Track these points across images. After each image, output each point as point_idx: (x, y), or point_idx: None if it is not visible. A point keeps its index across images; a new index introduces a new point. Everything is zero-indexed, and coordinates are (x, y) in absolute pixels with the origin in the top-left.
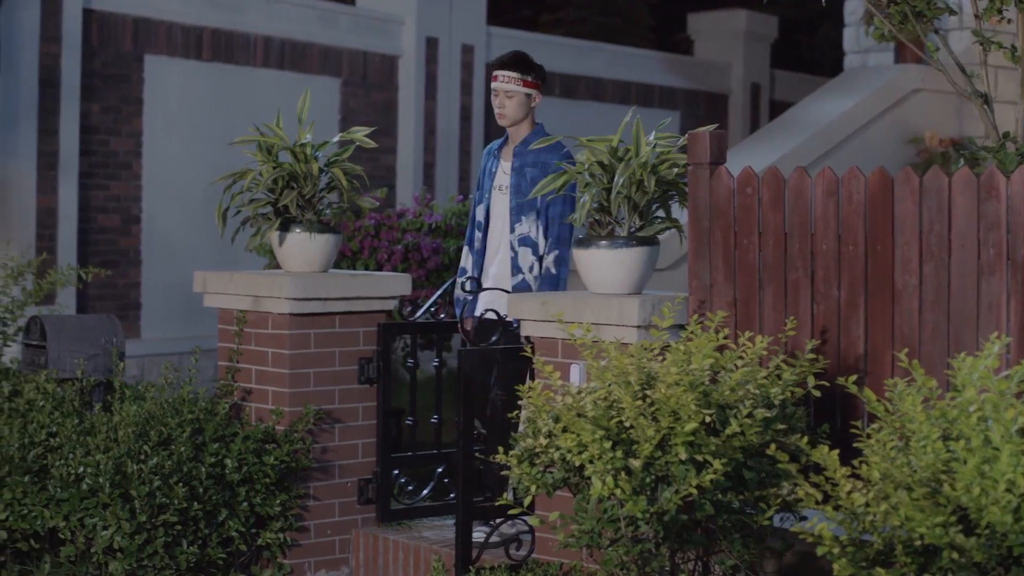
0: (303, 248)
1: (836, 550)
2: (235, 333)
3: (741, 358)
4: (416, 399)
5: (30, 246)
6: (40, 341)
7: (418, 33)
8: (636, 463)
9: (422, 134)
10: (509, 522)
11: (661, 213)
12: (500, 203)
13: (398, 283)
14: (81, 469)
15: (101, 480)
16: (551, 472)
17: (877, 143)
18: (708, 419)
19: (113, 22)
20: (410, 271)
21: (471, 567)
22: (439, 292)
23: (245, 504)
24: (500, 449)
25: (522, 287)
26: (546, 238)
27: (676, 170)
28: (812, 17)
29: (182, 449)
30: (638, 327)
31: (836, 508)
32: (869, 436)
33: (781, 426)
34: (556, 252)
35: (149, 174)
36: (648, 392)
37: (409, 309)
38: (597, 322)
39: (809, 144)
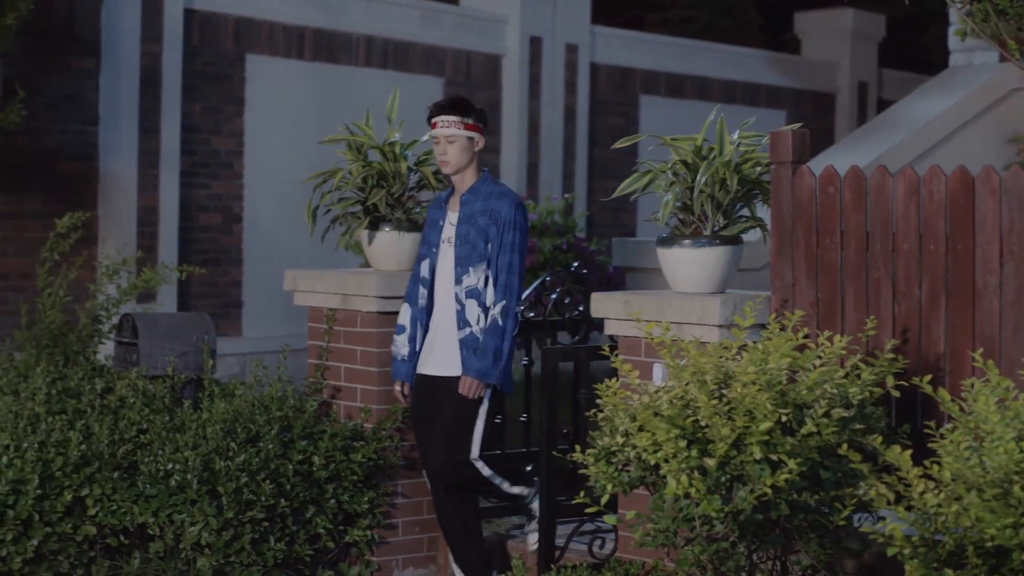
0: (392, 247)
1: (907, 550)
2: (324, 331)
3: (819, 358)
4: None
5: (130, 244)
6: (132, 338)
7: (522, 32)
8: (711, 462)
9: (526, 134)
10: (595, 521)
11: (746, 212)
12: (447, 256)
13: None
14: (170, 465)
15: (189, 476)
16: (627, 471)
17: (977, 142)
18: (784, 418)
19: (215, 22)
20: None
21: (553, 565)
22: (528, 290)
23: (333, 501)
24: (577, 447)
25: (470, 341)
26: (494, 289)
27: (759, 169)
28: (921, 15)
29: (270, 446)
30: (719, 326)
31: (908, 508)
32: (943, 436)
33: (859, 426)
34: (503, 303)
35: (251, 173)
36: (724, 391)
37: None
38: (679, 321)
39: (908, 143)
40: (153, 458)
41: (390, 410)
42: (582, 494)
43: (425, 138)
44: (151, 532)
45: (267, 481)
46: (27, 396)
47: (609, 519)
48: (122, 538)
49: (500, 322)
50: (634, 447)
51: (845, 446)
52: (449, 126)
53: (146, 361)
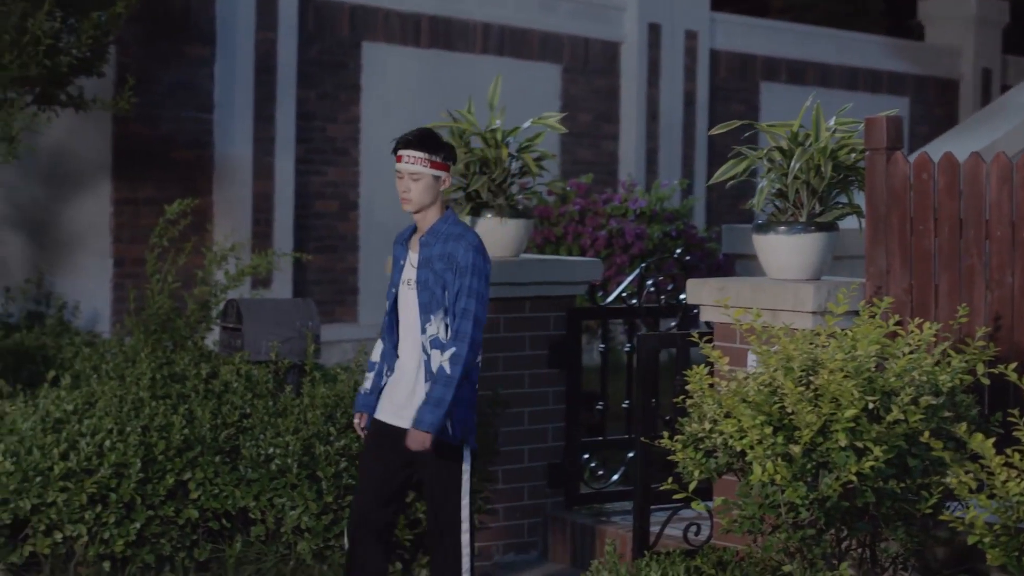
0: (494, 233)
1: (988, 539)
2: None
3: (908, 345)
4: (607, 384)
5: (244, 231)
6: (236, 324)
7: (640, 19)
8: (796, 449)
9: (644, 120)
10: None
11: (843, 199)
12: (409, 299)
13: (588, 268)
14: (271, 450)
15: (290, 461)
16: (715, 457)
17: None
18: (871, 406)
19: (330, 10)
20: (613, 257)
21: (647, 551)
22: (631, 277)
23: None
24: (665, 434)
25: None
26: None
27: (855, 155)
28: None
29: None
30: (813, 313)
31: (991, 497)
32: None
33: (947, 414)
34: (452, 349)
35: (367, 160)
36: (812, 378)
37: (600, 294)
38: (773, 307)
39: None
40: (255, 442)
41: (491, 396)
42: (670, 480)
43: (527, 124)
44: (252, 516)
45: None
46: (132, 381)
47: (696, 505)
48: (224, 521)
49: (447, 369)
50: (721, 433)
51: (927, 433)
52: (414, 162)
53: (250, 346)
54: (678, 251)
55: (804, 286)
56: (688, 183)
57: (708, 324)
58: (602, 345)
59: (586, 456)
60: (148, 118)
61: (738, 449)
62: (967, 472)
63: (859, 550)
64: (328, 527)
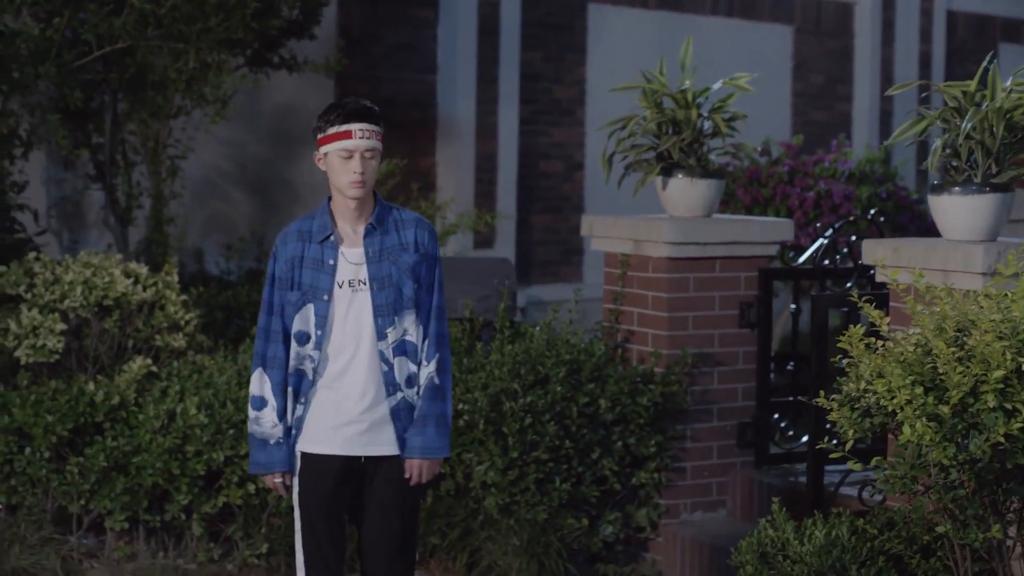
0: (684, 193)
1: None
2: (618, 276)
3: None
4: (798, 344)
5: (467, 191)
6: None
7: None
8: (946, 409)
9: (878, 82)
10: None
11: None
12: (352, 304)
13: (780, 229)
14: (460, 406)
15: (477, 417)
16: (870, 417)
17: None
18: None
19: None
20: (822, 218)
21: (817, 511)
22: (822, 238)
23: (619, 443)
24: (821, 393)
25: (402, 410)
26: (424, 340)
27: None
28: None
29: (557, 388)
30: (982, 274)
31: None
32: None
33: None
34: (438, 355)
35: (592, 122)
36: (965, 339)
37: (792, 254)
38: (944, 268)
39: None
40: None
41: (679, 355)
42: (826, 440)
43: (718, 86)
44: (442, 471)
45: (552, 423)
46: None
47: (852, 465)
48: None
49: (438, 380)
50: (874, 393)
51: None
52: (370, 136)
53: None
54: (872, 211)
55: (973, 247)
56: (893, 143)
57: (882, 285)
58: (792, 305)
59: (776, 416)
60: (370, 79)
61: (889, 409)
62: None
63: (1014, 512)
64: (514, 482)
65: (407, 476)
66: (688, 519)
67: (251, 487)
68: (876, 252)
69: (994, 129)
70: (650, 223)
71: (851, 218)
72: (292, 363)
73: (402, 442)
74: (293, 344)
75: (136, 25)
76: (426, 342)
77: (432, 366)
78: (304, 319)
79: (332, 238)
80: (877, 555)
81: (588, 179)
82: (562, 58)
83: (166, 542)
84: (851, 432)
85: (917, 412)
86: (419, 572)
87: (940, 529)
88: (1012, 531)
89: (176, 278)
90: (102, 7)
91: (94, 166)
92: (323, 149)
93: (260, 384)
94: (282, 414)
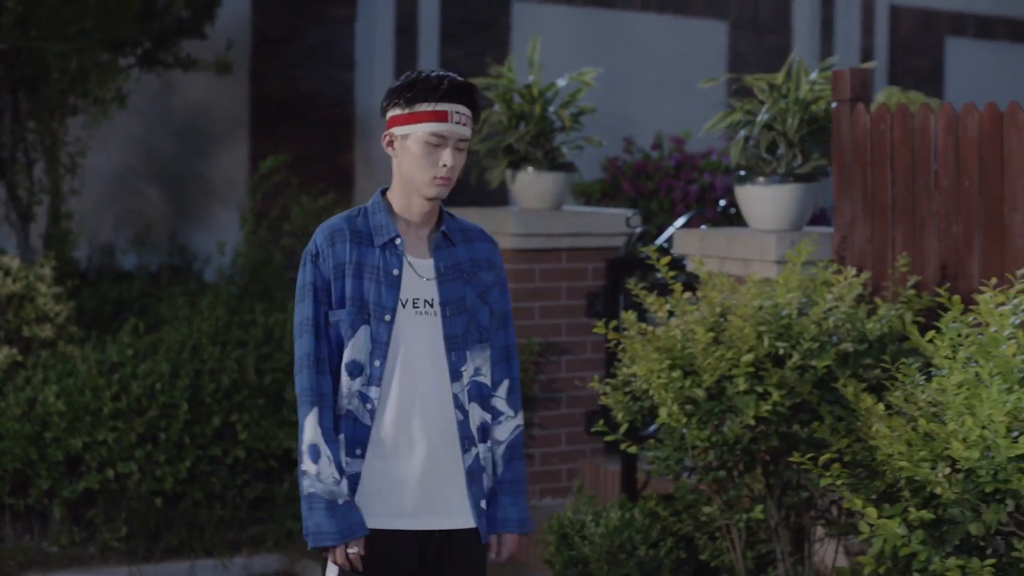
0: (532, 186)
1: (841, 481)
2: None
3: (831, 294)
4: None
5: (385, 186)
6: None
7: None
8: (700, 392)
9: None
10: None
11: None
12: (416, 330)
13: (627, 220)
14: None
15: None
16: (640, 402)
17: None
18: (782, 351)
19: None
20: (705, 210)
21: (624, 493)
22: (672, 228)
23: None
24: (595, 377)
25: (476, 472)
26: (495, 379)
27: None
28: None
29: None
30: (776, 262)
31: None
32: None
33: (868, 361)
34: (519, 412)
35: None
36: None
37: (639, 245)
38: (744, 257)
39: None
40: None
41: (526, 344)
42: (601, 423)
43: (564, 82)
44: (294, 457)
45: None
46: (196, 327)
47: (628, 448)
48: (271, 462)
49: (512, 435)
50: (636, 377)
51: (842, 381)
52: (466, 123)
53: None
54: (722, 202)
55: (768, 236)
56: None
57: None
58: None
59: None
60: (287, 77)
61: (650, 392)
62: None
63: (781, 494)
64: None
65: (493, 555)
66: (537, 504)
67: (110, 472)
68: (686, 242)
69: (790, 120)
70: (496, 215)
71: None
72: (346, 403)
73: (478, 511)
74: (344, 377)
75: (17, 26)
76: (504, 386)
77: (520, 418)
78: (357, 345)
79: (398, 242)
80: (667, 536)
81: None
82: (484, 55)
83: (32, 525)
84: (622, 415)
85: (673, 396)
86: None
87: (707, 510)
88: (777, 514)
89: (49, 272)
90: None
91: None
92: (400, 130)
93: (315, 430)
94: (341, 467)
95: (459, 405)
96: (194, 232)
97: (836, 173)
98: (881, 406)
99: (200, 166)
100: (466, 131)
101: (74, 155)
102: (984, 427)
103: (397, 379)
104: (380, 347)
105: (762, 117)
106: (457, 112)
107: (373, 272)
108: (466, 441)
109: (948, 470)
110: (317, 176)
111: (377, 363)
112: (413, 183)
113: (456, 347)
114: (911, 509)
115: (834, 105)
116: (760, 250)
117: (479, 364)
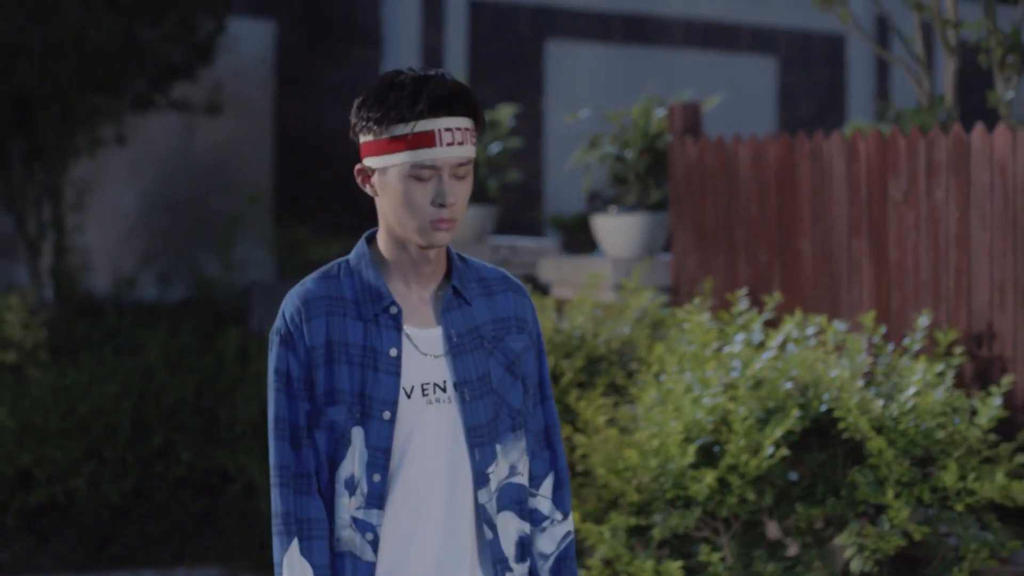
0: None
1: None
2: None
3: (623, 316)
4: None
5: None
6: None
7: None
8: None
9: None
10: None
11: None
12: (427, 425)
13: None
14: (240, 413)
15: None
16: None
17: None
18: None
19: (509, 11)
20: None
21: None
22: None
23: None
24: None
25: None
26: (536, 473)
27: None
28: None
29: None
30: (613, 288)
31: None
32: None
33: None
34: (569, 519)
35: (551, 158)
36: None
37: None
38: (591, 284)
39: None
40: (231, 408)
41: None
42: None
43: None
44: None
45: None
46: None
47: None
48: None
49: (573, 549)
50: None
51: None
52: (463, 139)
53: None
54: None
55: (604, 263)
56: None
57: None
58: None
59: None
60: (312, 118)
61: None
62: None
63: None
64: None
65: None
66: None
67: (58, 487)
68: (548, 268)
69: (633, 153)
70: None
71: None
72: (338, 533)
73: None
74: (341, 496)
75: (3, 70)
76: (548, 482)
77: (570, 523)
78: (351, 454)
79: (394, 310)
80: None
81: (547, 211)
82: (516, 94)
83: None
84: None
85: None
86: None
87: None
88: None
89: (20, 302)
90: None
91: (6, 198)
92: (374, 162)
93: (301, 570)
94: None
95: (486, 519)
96: (214, 265)
97: (672, 203)
98: (602, 419)
99: (221, 204)
100: (465, 152)
101: (82, 192)
102: (659, 439)
103: (405, 496)
104: (379, 456)
105: (607, 149)
106: (448, 129)
107: (361, 354)
108: (499, 566)
109: (646, 479)
110: (341, 216)
111: (377, 478)
112: (406, 228)
113: (481, 441)
114: (612, 515)
115: (669, 139)
116: (602, 277)
117: (514, 460)
